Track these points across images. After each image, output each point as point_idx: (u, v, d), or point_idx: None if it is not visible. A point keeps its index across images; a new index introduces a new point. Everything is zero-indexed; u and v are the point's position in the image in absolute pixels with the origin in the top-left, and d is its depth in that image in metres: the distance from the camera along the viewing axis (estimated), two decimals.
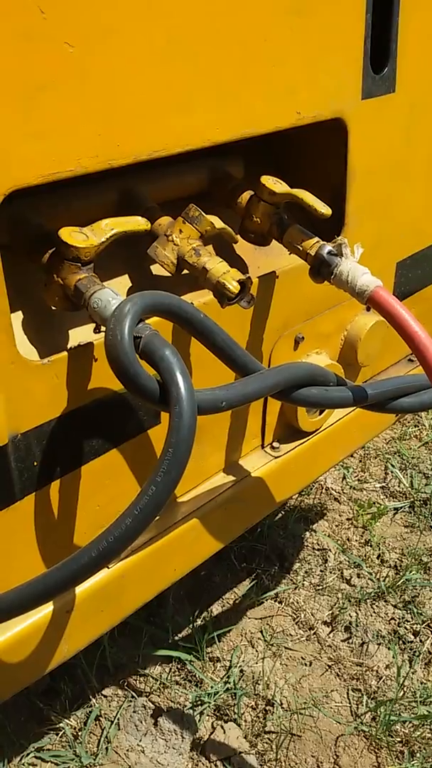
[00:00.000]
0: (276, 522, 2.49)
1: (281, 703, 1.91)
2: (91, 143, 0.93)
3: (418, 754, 1.80)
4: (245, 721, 1.87)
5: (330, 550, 2.40)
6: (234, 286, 1.08)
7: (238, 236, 1.24)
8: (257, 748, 1.81)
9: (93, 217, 1.02)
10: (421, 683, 1.97)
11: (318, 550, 2.41)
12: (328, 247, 1.19)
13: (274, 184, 1.20)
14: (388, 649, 2.07)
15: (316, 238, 1.20)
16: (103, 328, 0.96)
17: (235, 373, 1.14)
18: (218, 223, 1.12)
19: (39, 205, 1.06)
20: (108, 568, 1.16)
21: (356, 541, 2.46)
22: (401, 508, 2.62)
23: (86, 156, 0.93)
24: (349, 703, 1.93)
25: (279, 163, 1.41)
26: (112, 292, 0.95)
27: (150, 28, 0.95)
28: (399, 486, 2.71)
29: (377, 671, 2.01)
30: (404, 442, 2.94)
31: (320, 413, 1.52)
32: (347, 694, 1.96)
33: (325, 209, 1.18)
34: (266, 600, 2.20)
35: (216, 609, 2.17)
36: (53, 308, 1.03)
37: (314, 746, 1.83)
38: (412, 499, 2.64)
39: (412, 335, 1.14)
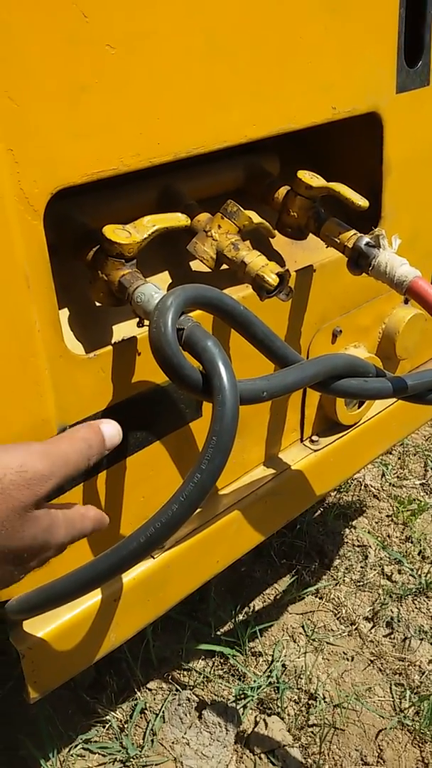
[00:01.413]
0: (315, 519, 2.50)
1: (324, 697, 1.92)
2: (132, 142, 0.95)
3: None
4: (288, 714, 1.88)
5: (370, 546, 2.40)
6: (273, 279, 1.09)
7: (276, 231, 1.26)
8: (301, 741, 1.82)
9: (134, 215, 1.04)
10: None
11: (358, 546, 2.41)
12: (366, 238, 1.20)
13: (310, 178, 1.21)
14: (431, 644, 2.06)
15: (354, 230, 1.21)
16: (146, 322, 0.99)
17: (274, 365, 1.16)
18: (256, 218, 1.14)
19: (83, 204, 1.09)
20: (153, 558, 1.19)
21: (396, 537, 2.46)
22: None
23: (128, 154, 0.95)
24: (392, 697, 1.93)
25: (315, 159, 1.42)
26: (155, 287, 0.98)
27: (189, 28, 0.97)
28: None
29: (420, 666, 2.00)
30: None
31: (359, 406, 1.53)
32: (390, 688, 1.96)
33: (362, 201, 1.19)
34: (307, 595, 2.21)
35: (257, 604, 2.19)
36: (98, 304, 1.06)
37: (358, 740, 1.83)
38: None
39: None
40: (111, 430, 0.84)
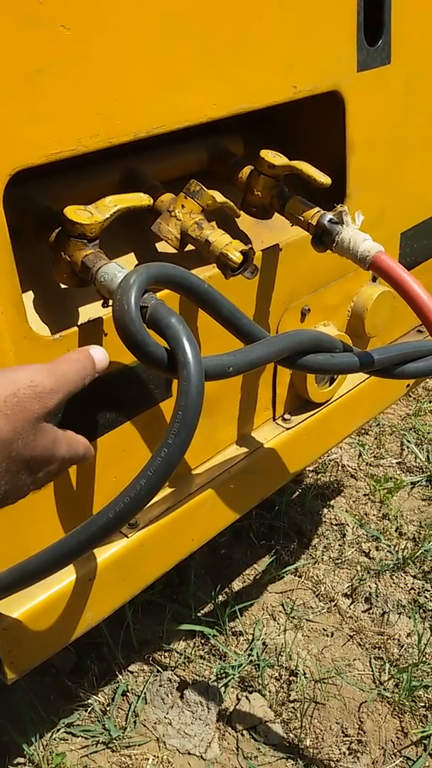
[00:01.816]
0: (293, 499, 2.52)
1: (304, 673, 1.94)
2: (90, 122, 0.96)
3: None
4: (269, 691, 1.91)
5: (348, 524, 2.43)
6: (237, 257, 1.10)
7: (241, 211, 1.27)
8: (282, 716, 1.85)
9: (97, 198, 1.05)
10: None
11: (336, 525, 2.44)
12: (329, 215, 1.21)
13: (273, 157, 1.22)
14: (409, 618, 2.09)
15: (317, 208, 1.23)
16: (110, 302, 1.00)
17: (242, 343, 1.17)
18: (219, 197, 1.15)
19: (46, 187, 1.09)
20: (127, 537, 1.20)
21: (374, 515, 2.49)
22: (418, 482, 2.64)
23: (87, 135, 0.96)
24: (372, 670, 1.97)
25: (279, 139, 1.43)
26: (118, 266, 0.98)
27: (145, 7, 0.97)
28: (415, 461, 2.73)
29: (398, 639, 2.04)
30: (419, 418, 2.95)
31: (330, 384, 1.55)
32: (369, 662, 1.99)
33: (324, 179, 1.21)
34: (286, 575, 2.24)
35: (237, 585, 2.21)
36: (62, 285, 1.06)
37: (338, 713, 1.86)
38: (428, 473, 2.66)
39: (415, 298, 1.16)
40: (99, 354, 0.94)
